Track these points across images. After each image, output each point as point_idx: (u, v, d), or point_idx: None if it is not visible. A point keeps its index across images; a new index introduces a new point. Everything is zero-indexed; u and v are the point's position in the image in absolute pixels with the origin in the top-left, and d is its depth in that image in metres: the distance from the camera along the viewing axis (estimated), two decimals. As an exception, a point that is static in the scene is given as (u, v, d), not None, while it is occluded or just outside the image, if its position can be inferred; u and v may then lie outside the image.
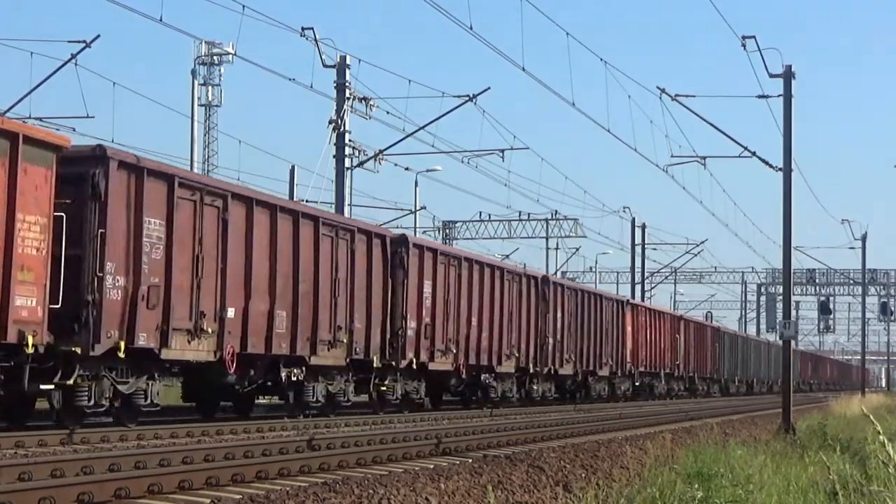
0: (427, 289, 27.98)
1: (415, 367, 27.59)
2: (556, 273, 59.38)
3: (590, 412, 31.80)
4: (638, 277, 62.03)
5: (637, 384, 45.69)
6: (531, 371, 34.84)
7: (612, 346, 42.07)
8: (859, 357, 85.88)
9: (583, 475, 14.11)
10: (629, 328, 44.18)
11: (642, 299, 60.56)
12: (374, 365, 25.71)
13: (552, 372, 36.11)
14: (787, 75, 26.93)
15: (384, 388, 26.49)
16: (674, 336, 51.40)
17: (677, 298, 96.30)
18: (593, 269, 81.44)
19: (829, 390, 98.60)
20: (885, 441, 7.79)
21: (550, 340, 35.60)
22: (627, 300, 47.03)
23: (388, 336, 26.20)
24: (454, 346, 29.36)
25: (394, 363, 26.46)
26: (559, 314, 36.64)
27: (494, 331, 31.78)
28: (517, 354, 33.44)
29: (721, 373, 61.77)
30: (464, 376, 30.16)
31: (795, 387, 79.55)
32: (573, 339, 37.86)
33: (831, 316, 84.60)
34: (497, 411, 29.80)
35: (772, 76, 26.85)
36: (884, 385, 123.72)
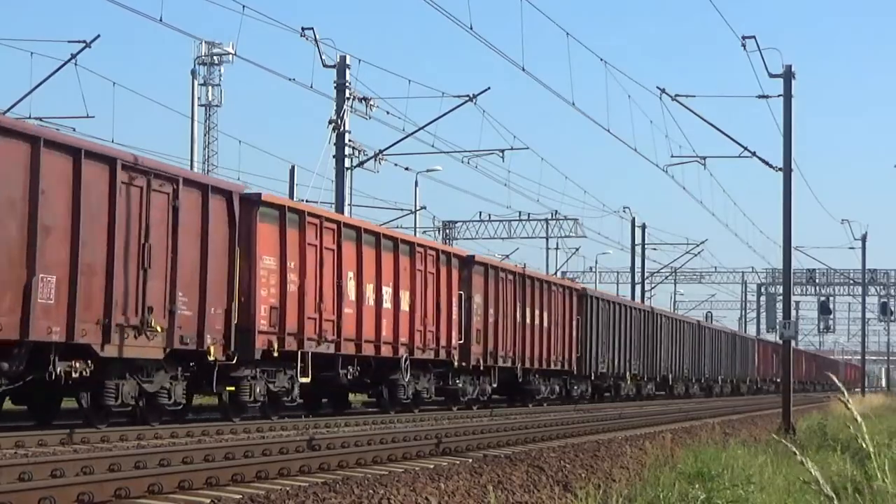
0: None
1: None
2: (555, 273, 59.35)
3: (589, 412, 31.82)
4: (638, 277, 61.98)
5: (350, 378, 25.43)
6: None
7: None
8: (859, 357, 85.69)
9: (583, 475, 14.09)
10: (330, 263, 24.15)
11: (642, 300, 59.61)
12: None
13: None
14: (787, 75, 26.90)
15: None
16: (446, 292, 29.61)
17: (677, 298, 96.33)
18: (593, 269, 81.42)
19: (805, 391, 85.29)
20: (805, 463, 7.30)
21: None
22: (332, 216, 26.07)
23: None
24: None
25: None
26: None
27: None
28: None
29: (591, 365, 39.96)
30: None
31: (753, 386, 71.33)
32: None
33: (831, 316, 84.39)
34: (497, 411, 30.04)
35: (772, 76, 26.82)
36: (884, 385, 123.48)
